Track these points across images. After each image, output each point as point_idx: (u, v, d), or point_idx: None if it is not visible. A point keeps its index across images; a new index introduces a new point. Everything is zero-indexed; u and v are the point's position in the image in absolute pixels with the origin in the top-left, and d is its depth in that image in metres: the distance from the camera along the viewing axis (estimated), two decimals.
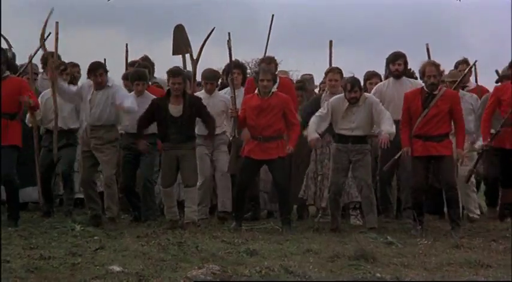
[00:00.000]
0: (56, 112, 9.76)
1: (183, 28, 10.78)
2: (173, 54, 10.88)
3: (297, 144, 9.17)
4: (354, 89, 8.95)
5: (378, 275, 6.26)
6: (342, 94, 9.10)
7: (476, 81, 11.14)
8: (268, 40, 10.80)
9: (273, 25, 10.90)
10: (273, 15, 10.82)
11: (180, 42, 10.65)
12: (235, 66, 10.16)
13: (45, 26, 9.60)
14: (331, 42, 10.72)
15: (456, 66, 10.69)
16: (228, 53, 9.75)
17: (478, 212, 10.20)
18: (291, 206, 9.57)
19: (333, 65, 10.28)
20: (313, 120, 9.08)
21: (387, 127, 8.86)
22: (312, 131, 9.02)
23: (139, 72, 10.03)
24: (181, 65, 11.02)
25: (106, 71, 9.45)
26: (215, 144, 9.94)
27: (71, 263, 6.64)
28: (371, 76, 10.59)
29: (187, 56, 10.60)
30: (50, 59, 9.65)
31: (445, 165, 8.76)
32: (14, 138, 8.97)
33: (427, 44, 10.42)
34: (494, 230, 9.20)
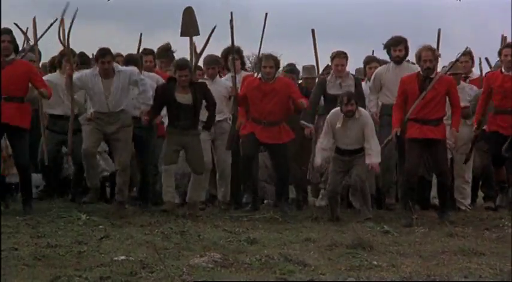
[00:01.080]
0: (72, 108, 9.51)
1: (192, 11, 10.62)
2: (181, 35, 10.74)
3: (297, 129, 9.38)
4: (350, 102, 8.96)
5: (375, 262, 6.29)
6: (337, 108, 9.10)
7: (481, 73, 11.00)
8: (262, 38, 10.62)
9: (269, 20, 10.72)
10: (266, 14, 10.67)
11: (189, 25, 10.52)
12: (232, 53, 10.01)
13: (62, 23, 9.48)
14: (313, 30, 10.55)
15: (458, 58, 10.53)
16: (230, 32, 9.62)
17: (468, 204, 10.17)
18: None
19: (319, 56, 10.29)
20: (318, 146, 9.15)
21: (373, 160, 8.90)
22: (318, 157, 9.12)
23: (131, 57, 9.89)
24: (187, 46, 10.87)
25: (114, 59, 9.26)
26: (217, 133, 9.92)
27: (77, 251, 6.68)
28: (370, 61, 10.43)
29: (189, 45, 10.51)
30: (67, 54, 9.53)
31: (439, 150, 8.74)
32: (24, 120, 8.88)
33: (439, 29, 10.31)
34: (487, 219, 9.23)
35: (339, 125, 8.96)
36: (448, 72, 9.64)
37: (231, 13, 9.58)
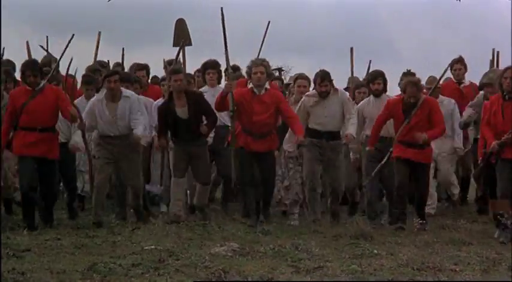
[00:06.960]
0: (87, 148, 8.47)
1: (184, 22, 10.26)
2: (174, 46, 10.33)
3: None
4: (323, 83, 8.24)
5: (375, 251, 6.29)
6: (314, 90, 8.48)
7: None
8: (261, 46, 9.82)
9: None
10: (269, 22, 9.79)
11: (181, 36, 10.18)
12: (210, 67, 9.33)
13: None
14: (351, 49, 9.66)
15: (452, 66, 9.91)
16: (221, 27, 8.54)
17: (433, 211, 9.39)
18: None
19: (354, 73, 9.72)
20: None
21: (350, 131, 8.28)
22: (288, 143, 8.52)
23: (126, 76, 9.06)
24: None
25: (121, 80, 8.27)
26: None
27: (111, 241, 6.73)
28: (360, 86, 9.59)
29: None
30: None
31: (420, 173, 8.12)
32: (53, 152, 7.79)
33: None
34: (475, 212, 9.17)
35: (312, 103, 8.21)
36: (427, 87, 9.23)
37: (221, 8, 8.55)
